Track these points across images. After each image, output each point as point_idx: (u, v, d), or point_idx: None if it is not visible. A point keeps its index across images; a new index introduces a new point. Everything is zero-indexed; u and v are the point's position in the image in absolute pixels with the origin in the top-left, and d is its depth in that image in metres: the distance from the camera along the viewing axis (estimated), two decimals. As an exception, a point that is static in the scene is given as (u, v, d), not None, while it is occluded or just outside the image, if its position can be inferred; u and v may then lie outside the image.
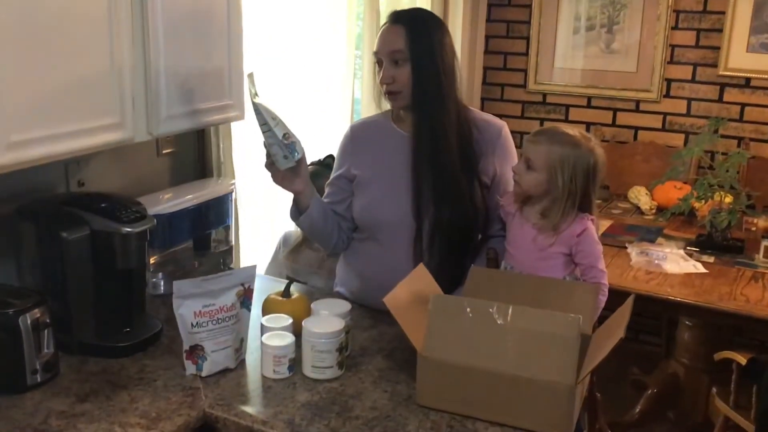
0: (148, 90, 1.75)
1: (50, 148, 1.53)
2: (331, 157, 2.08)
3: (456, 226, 1.96)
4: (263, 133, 1.79)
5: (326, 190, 2.12)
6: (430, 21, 1.97)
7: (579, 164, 1.87)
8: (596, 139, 1.96)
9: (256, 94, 1.79)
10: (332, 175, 2.12)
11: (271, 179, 1.92)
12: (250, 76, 1.83)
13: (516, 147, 2.11)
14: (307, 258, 2.42)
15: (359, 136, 2.10)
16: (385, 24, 1.97)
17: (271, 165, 1.86)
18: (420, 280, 1.75)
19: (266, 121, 1.77)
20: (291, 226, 2.47)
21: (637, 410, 3.26)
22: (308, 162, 2.21)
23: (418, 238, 1.96)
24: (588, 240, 1.91)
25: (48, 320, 1.61)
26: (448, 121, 1.93)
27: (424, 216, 1.95)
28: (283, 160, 1.83)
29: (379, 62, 1.96)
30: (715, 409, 2.84)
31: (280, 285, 1.94)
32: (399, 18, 1.95)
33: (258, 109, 1.77)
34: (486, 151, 2.01)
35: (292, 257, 2.44)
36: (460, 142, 1.96)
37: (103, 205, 1.78)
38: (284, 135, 1.79)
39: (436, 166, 1.93)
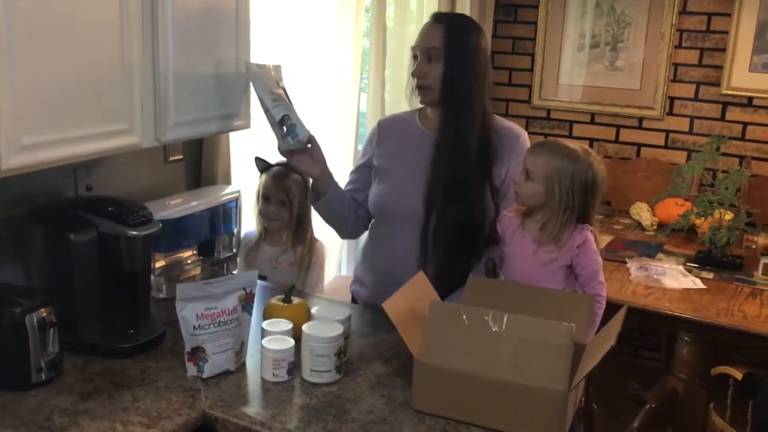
0: (156, 97, 1.79)
1: (60, 152, 1.56)
2: None
3: (462, 223, 2.02)
4: (264, 113, 1.91)
5: (349, 178, 2.24)
6: (468, 25, 2.10)
7: (576, 177, 1.90)
8: (598, 155, 1.99)
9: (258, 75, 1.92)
10: (356, 164, 2.25)
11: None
12: (266, 67, 1.95)
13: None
14: (266, 253, 2.47)
15: (385, 130, 2.21)
16: (427, 23, 2.08)
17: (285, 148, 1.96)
18: (419, 287, 1.78)
19: (262, 102, 1.89)
20: (251, 228, 2.57)
21: (636, 425, 3.25)
22: (275, 163, 2.42)
23: (425, 230, 2.03)
24: (588, 251, 1.93)
25: (54, 320, 1.64)
26: (472, 122, 2.01)
27: (432, 209, 2.02)
28: (282, 141, 1.92)
29: (414, 57, 2.06)
30: (712, 424, 2.86)
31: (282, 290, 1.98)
32: (440, 18, 2.08)
33: (256, 91, 1.89)
34: (502, 156, 2.07)
35: (252, 254, 2.50)
36: (480, 145, 2.03)
37: (110, 208, 1.82)
38: (283, 117, 1.88)
39: (455, 164, 2.00)
